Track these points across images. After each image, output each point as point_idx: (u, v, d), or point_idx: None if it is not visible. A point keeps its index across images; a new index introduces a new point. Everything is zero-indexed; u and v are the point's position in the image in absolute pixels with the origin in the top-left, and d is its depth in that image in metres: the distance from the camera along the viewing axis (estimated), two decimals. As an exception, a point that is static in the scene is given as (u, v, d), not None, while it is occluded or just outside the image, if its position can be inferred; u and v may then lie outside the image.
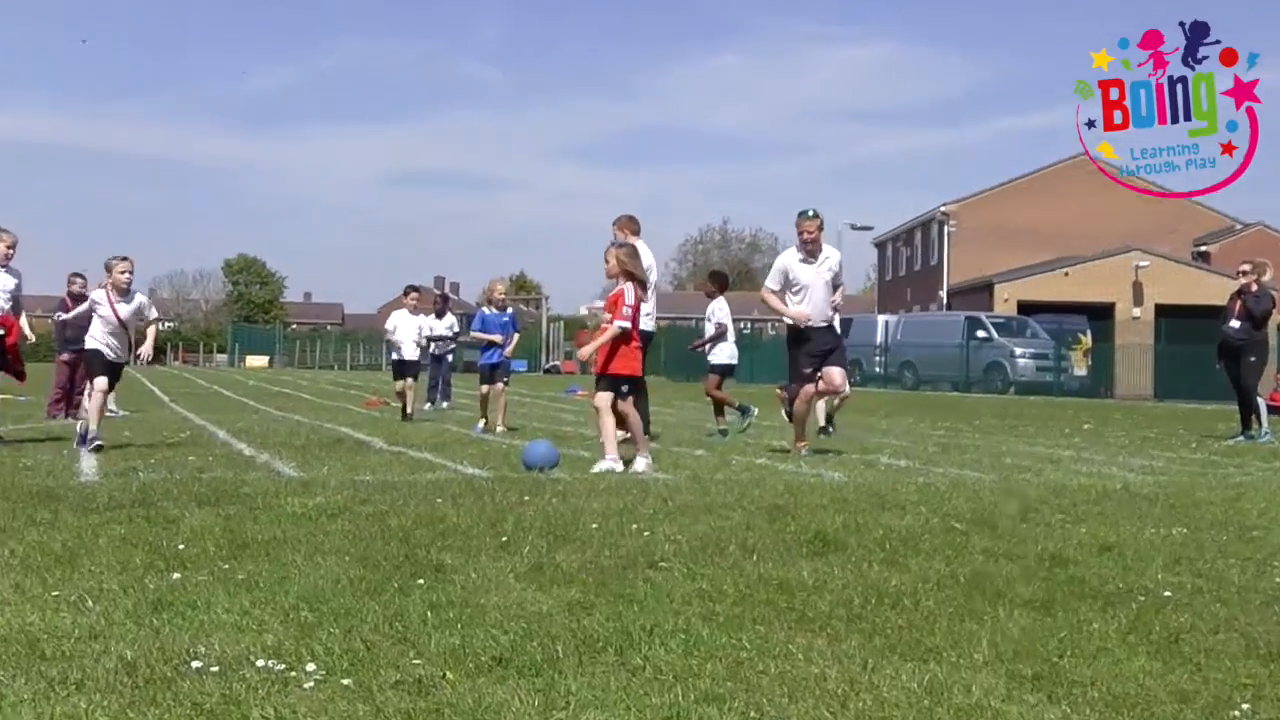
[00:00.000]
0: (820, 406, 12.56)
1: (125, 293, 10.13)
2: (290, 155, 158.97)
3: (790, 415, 10.57)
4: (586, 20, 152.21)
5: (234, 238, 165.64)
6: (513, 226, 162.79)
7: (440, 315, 18.70)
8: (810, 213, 10.01)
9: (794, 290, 9.99)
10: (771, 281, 10.18)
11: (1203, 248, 48.69)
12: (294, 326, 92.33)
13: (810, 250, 10.00)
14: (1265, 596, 4.44)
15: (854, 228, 46.46)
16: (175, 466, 8.37)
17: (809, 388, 10.01)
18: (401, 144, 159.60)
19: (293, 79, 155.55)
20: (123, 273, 10.13)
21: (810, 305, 9.96)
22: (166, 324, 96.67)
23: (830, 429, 12.83)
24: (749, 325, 70.24)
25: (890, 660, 3.43)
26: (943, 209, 49.27)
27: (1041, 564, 5.00)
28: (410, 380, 15.03)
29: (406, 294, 15.71)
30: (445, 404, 18.31)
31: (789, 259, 10.10)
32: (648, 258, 10.18)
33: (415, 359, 15.28)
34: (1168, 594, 4.43)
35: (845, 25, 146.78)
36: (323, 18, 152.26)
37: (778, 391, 11.20)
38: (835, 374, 10.08)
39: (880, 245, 58.94)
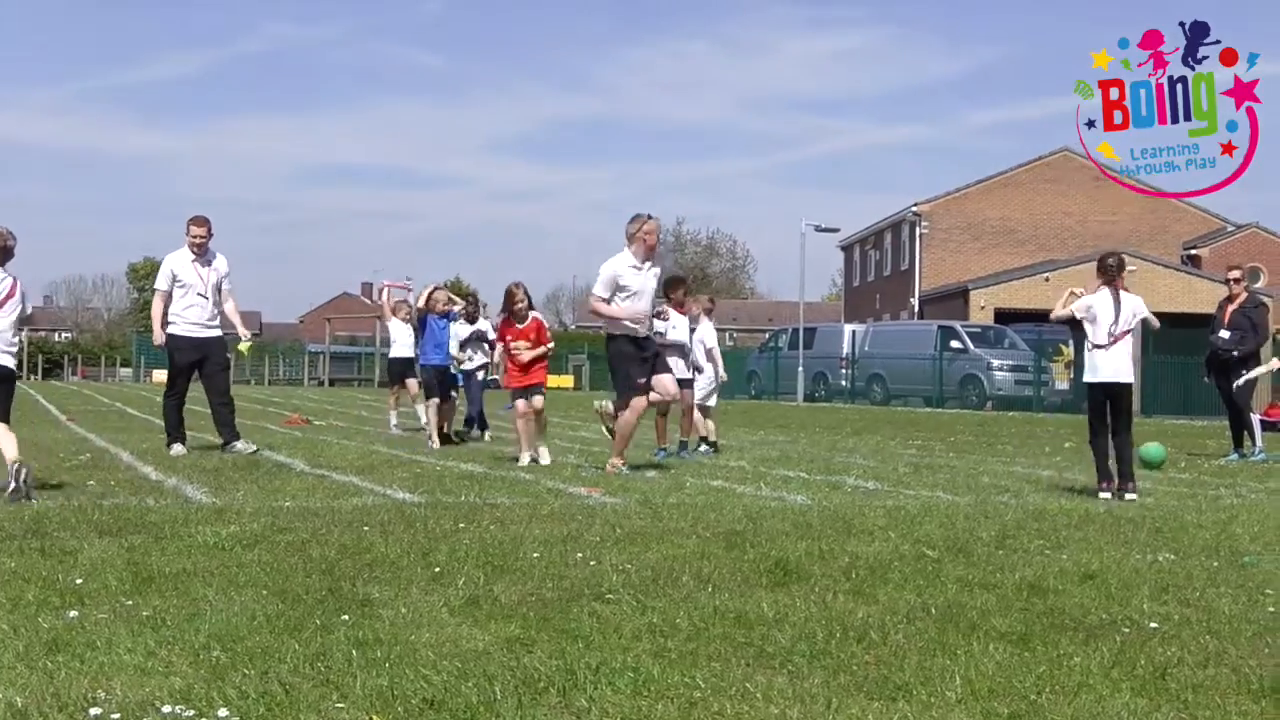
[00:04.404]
0: (704, 423, 13.10)
1: None
2: (201, 148, 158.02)
3: (613, 431, 10.97)
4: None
5: (139, 239, 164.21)
6: (447, 227, 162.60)
7: (471, 320, 16.66)
8: (651, 215, 10.50)
9: (624, 297, 10.36)
10: (602, 290, 10.43)
11: (1193, 250, 49.43)
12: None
13: (647, 255, 10.44)
14: (1258, 627, 4.51)
15: (818, 229, 46.44)
16: (73, 492, 8.27)
17: (641, 400, 10.45)
18: (323, 135, 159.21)
19: (209, 65, 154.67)
20: None
21: (640, 312, 10.45)
22: (64, 335, 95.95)
23: (710, 449, 13.04)
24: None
25: (856, 699, 3.46)
26: (914, 209, 49.67)
27: (1019, 594, 5.06)
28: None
29: None
30: (480, 432, 16.04)
31: (621, 266, 10.38)
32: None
33: None
34: (1154, 625, 4.49)
35: (815, 8, 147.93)
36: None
37: (598, 405, 11.46)
38: (667, 381, 10.70)
39: (847, 249, 59.31)
